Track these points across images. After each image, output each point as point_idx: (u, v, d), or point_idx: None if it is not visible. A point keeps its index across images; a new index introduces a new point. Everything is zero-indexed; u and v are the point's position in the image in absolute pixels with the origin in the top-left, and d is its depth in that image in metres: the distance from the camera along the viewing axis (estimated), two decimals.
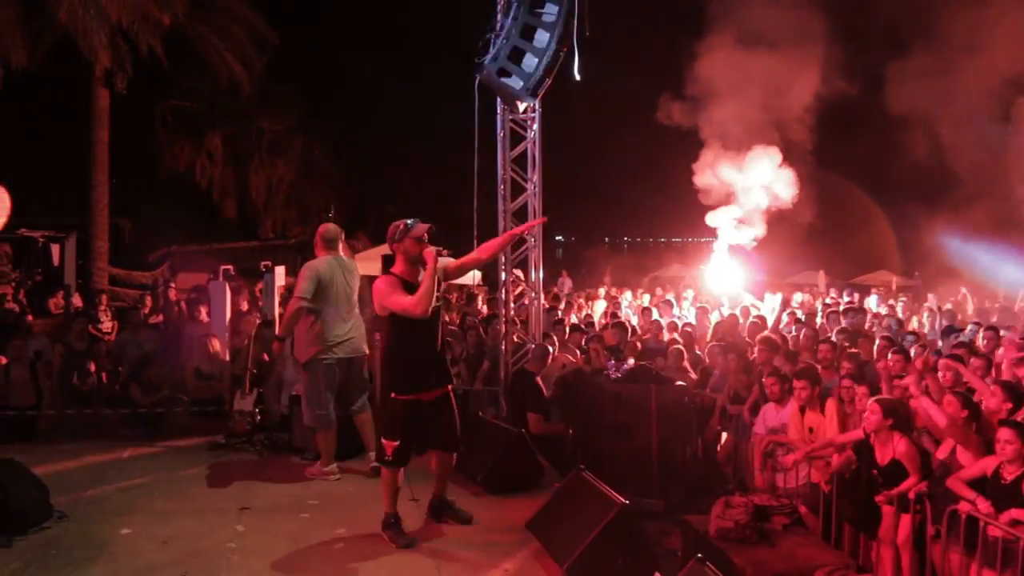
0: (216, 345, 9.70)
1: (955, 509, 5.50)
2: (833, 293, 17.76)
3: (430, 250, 5.46)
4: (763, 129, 15.83)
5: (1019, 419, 5.65)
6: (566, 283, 20.60)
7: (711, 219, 16.11)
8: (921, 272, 24.65)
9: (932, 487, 5.82)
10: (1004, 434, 5.25)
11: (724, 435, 8.75)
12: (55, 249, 22.10)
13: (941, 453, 5.98)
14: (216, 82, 24.31)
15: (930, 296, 15.35)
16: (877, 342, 9.27)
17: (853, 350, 8.65)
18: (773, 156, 15.56)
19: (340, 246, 7.36)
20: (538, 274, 9.15)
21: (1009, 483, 5.22)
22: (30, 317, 11.10)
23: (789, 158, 15.84)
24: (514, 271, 9.55)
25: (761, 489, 7.23)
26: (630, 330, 10.93)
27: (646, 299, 15.94)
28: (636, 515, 5.50)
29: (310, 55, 30.58)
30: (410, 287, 5.48)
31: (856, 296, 16.35)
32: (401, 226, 5.53)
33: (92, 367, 9.31)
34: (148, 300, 14.18)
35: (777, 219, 16.48)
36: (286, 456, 7.93)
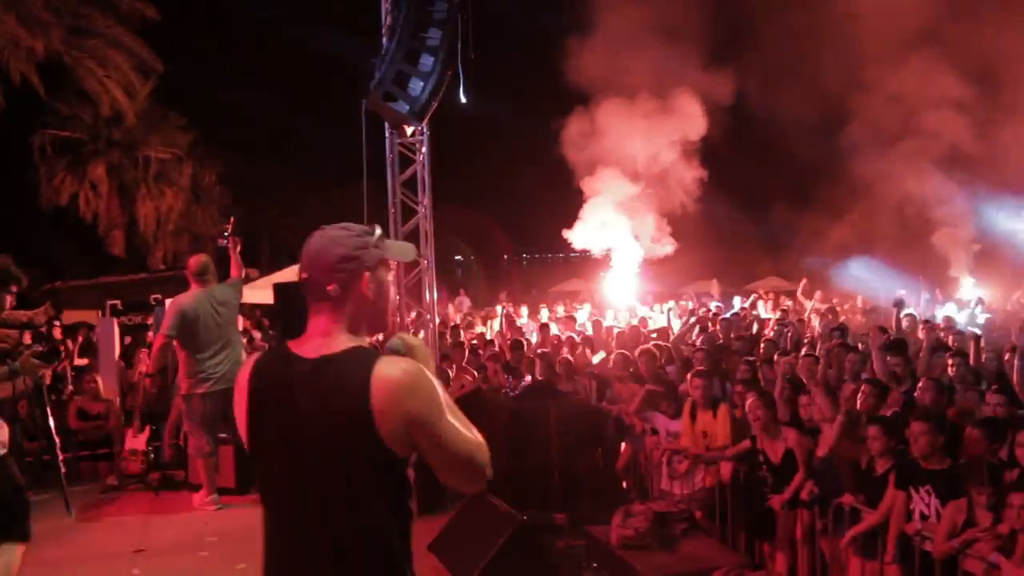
0: (101, 384, 9.38)
1: (840, 503, 5.78)
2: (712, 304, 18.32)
3: None
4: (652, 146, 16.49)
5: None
6: (464, 302, 20.64)
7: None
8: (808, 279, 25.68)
9: (817, 483, 6.09)
10: (872, 431, 5.54)
11: (623, 445, 8.91)
12: None
13: (821, 450, 6.26)
14: (97, 110, 23.61)
15: (816, 296, 15.99)
16: (762, 346, 9.61)
17: (749, 357, 8.92)
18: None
19: (211, 278, 7.43)
20: (432, 295, 9.19)
21: (879, 476, 5.51)
22: None
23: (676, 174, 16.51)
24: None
25: (660, 496, 7.42)
26: (526, 347, 11.02)
27: (544, 315, 16.13)
28: (535, 530, 5.58)
29: (197, 81, 29.99)
30: None
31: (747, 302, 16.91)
32: (369, 233, 2.51)
33: None
34: (29, 339, 13.60)
35: (672, 232, 17.09)
36: (183, 493, 7.75)
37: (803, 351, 8.84)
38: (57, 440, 7.29)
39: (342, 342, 2.29)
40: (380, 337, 2.96)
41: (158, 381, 7.98)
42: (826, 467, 6.06)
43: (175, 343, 7.18)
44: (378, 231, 2.42)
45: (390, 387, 2.19)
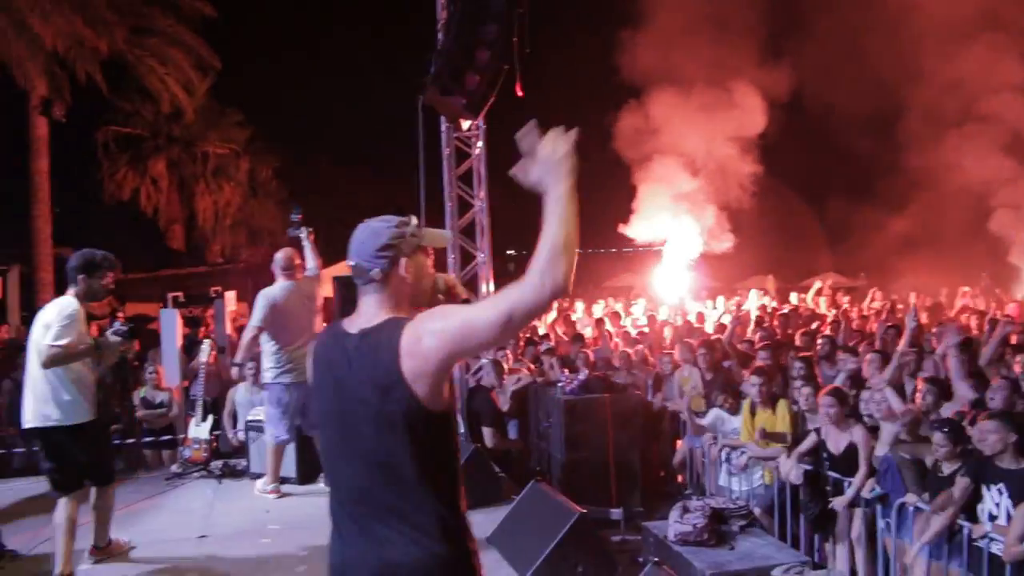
0: (163, 374, 9.58)
1: (903, 502, 5.68)
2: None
3: None
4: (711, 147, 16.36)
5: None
6: None
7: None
8: (867, 273, 25.24)
9: (879, 481, 6.01)
10: (937, 438, 5.46)
11: (679, 441, 8.87)
12: None
13: (880, 449, 6.16)
14: (158, 107, 24.07)
15: (873, 293, 15.70)
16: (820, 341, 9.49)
17: (805, 353, 8.81)
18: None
19: (297, 271, 7.48)
20: (488, 288, 9.22)
21: (946, 477, 5.42)
22: None
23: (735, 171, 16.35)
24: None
25: (717, 493, 7.37)
26: (584, 341, 11.02)
27: (599, 309, 16.09)
28: (594, 523, 5.57)
29: (254, 78, 30.43)
30: None
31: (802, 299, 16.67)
32: (406, 223, 2.83)
33: None
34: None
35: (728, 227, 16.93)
36: (244, 482, 7.88)
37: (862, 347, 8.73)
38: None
39: (382, 316, 2.55)
40: None
41: (242, 372, 8.00)
42: (887, 465, 5.97)
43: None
44: (414, 221, 2.68)
45: (409, 335, 2.40)
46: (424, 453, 2.45)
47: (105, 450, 5.85)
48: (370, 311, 2.60)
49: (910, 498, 5.64)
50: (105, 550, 5.86)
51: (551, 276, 2.23)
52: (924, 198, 19.45)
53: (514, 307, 2.27)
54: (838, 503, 6.26)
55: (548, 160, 2.37)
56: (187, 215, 29.79)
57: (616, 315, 14.34)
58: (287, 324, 7.23)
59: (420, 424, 2.42)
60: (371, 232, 2.63)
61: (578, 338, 10.55)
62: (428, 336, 2.37)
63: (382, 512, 2.48)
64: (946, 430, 5.44)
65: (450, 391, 2.50)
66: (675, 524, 5.75)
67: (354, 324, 2.60)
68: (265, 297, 7.28)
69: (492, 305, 2.33)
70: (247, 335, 7.30)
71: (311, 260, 7.78)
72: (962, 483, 5.15)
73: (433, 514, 2.46)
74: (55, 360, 5.17)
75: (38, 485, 7.78)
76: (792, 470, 6.56)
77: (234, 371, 7.88)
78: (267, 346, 7.30)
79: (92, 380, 5.48)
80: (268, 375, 7.33)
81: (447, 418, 2.50)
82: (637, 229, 16.84)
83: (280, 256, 7.51)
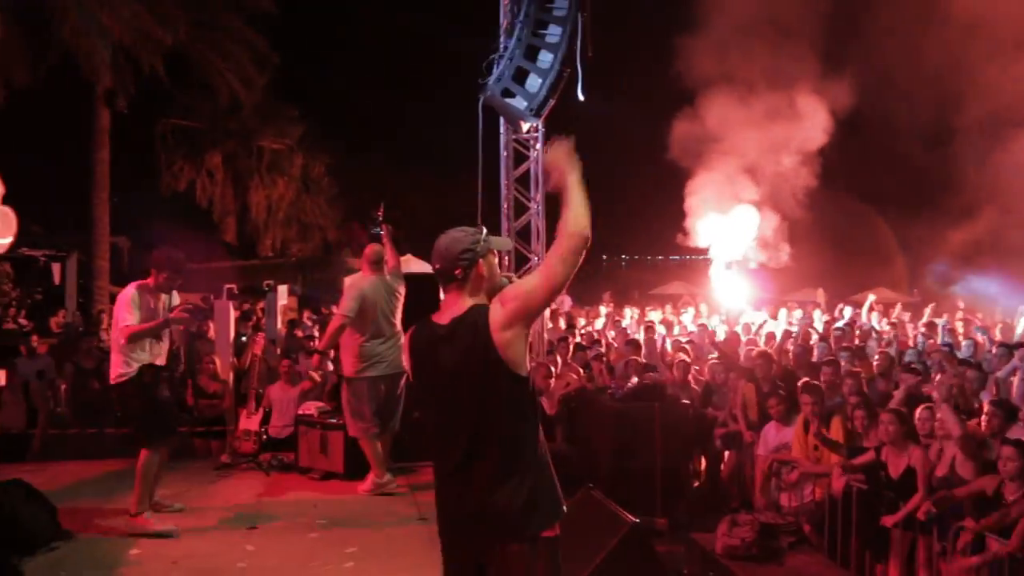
0: (217, 364, 9.71)
1: (961, 526, 5.55)
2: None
3: None
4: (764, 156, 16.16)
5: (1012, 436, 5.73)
6: (566, 300, 20.59)
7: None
8: (919, 289, 24.75)
9: (936, 503, 5.88)
10: (1006, 451, 5.30)
11: (727, 453, 8.78)
12: (56, 268, 22.14)
13: (941, 469, 6.04)
14: (216, 101, 24.42)
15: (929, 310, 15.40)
16: (876, 359, 9.34)
17: (855, 369, 8.69)
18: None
19: (383, 267, 7.52)
20: None
21: (1011, 501, 5.27)
22: (35, 338, 11.11)
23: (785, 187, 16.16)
24: None
25: (766, 507, 7.27)
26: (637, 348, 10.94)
27: (655, 316, 16.01)
28: (646, 534, 5.53)
29: (311, 74, 30.76)
30: None
31: (856, 313, 16.42)
32: (481, 235, 3.43)
33: (96, 385, 9.36)
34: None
35: (778, 238, 16.72)
36: (293, 475, 7.96)
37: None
38: None
39: (466, 306, 3.17)
40: None
41: (326, 362, 8.30)
42: (946, 488, 5.85)
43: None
44: (484, 230, 3.31)
45: (494, 314, 3.05)
46: (513, 408, 3.08)
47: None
48: (455, 304, 3.20)
49: (968, 522, 5.51)
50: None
51: (580, 228, 3.02)
52: (984, 212, 19.04)
53: (557, 260, 3.04)
54: (889, 520, 6.15)
55: (557, 160, 3.14)
56: (240, 208, 30.18)
57: (667, 323, 14.26)
58: (372, 318, 7.26)
59: (511, 384, 3.05)
60: (453, 240, 3.22)
61: (631, 343, 10.47)
62: (506, 307, 3.03)
63: (484, 464, 3.07)
64: (1018, 446, 5.29)
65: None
66: (723, 537, 5.68)
67: (443, 316, 3.21)
68: (356, 288, 7.32)
69: (539, 273, 3.14)
70: (334, 323, 7.38)
71: (392, 258, 7.80)
72: None
73: (524, 460, 3.10)
74: (133, 337, 6.08)
75: (94, 467, 7.98)
76: (842, 482, 6.47)
77: (316, 358, 8.16)
78: (348, 340, 7.32)
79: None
80: (350, 368, 7.34)
81: (528, 381, 3.12)
82: (696, 235, 16.65)
83: (370, 251, 7.55)
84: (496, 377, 3.04)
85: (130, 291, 6.24)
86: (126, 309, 6.13)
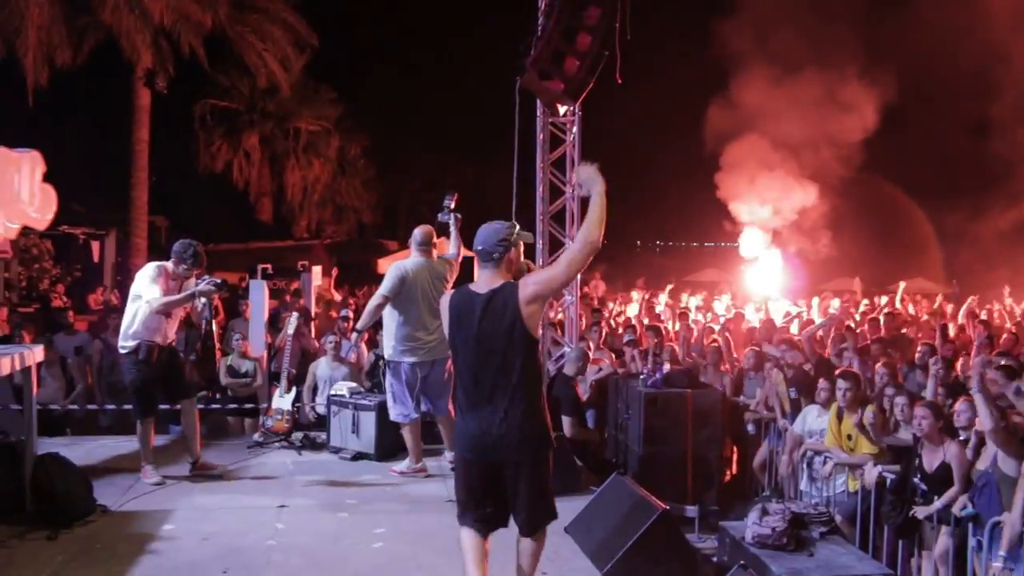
0: (249, 344, 9.77)
1: (998, 521, 5.46)
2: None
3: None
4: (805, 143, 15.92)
5: None
6: (599, 286, 20.54)
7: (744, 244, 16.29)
8: (959, 280, 24.36)
9: (973, 496, 5.78)
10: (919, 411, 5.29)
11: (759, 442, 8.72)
12: (95, 246, 22.45)
13: (982, 463, 5.93)
14: (255, 83, 24.57)
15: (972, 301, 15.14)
16: (919, 348, 9.21)
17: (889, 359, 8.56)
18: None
19: (432, 250, 7.33)
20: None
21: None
22: (71, 314, 11.24)
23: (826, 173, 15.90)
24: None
25: (798, 497, 7.21)
26: (665, 334, 10.88)
27: (692, 302, 15.89)
28: (676, 520, 5.49)
29: (348, 56, 30.85)
30: None
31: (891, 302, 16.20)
32: (515, 228, 4.39)
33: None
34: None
35: (814, 227, 16.50)
36: (324, 455, 8.00)
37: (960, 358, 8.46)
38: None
39: (500, 282, 4.20)
40: None
41: (364, 339, 8.59)
42: (985, 480, 5.75)
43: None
44: (516, 226, 4.35)
45: (522, 292, 4.09)
46: (529, 362, 4.16)
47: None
48: (491, 279, 4.22)
49: (1007, 517, 5.41)
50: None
51: (591, 239, 3.98)
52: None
53: (571, 259, 4.16)
54: (921, 512, 6.06)
55: (586, 178, 4.11)
56: (276, 189, 30.43)
57: (698, 309, 14.16)
58: (415, 299, 7.06)
59: (529, 344, 4.13)
60: (494, 230, 4.26)
61: (654, 329, 10.39)
62: (531, 288, 4.09)
63: (508, 398, 4.12)
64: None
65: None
66: (753, 526, 5.62)
67: (480, 287, 4.22)
68: (397, 268, 7.12)
69: (559, 263, 4.32)
70: (372, 302, 7.16)
71: (454, 246, 7.68)
72: None
73: (532, 397, 4.19)
74: (162, 308, 6.55)
75: (128, 443, 8.07)
76: (875, 473, 6.40)
77: (352, 337, 8.26)
78: (389, 322, 7.16)
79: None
80: (389, 351, 7.20)
81: (539, 343, 4.32)
82: (740, 216, 16.36)
83: (418, 232, 7.33)
84: (519, 337, 4.09)
85: (150, 268, 6.68)
86: (148, 283, 6.52)
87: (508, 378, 4.10)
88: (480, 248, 4.23)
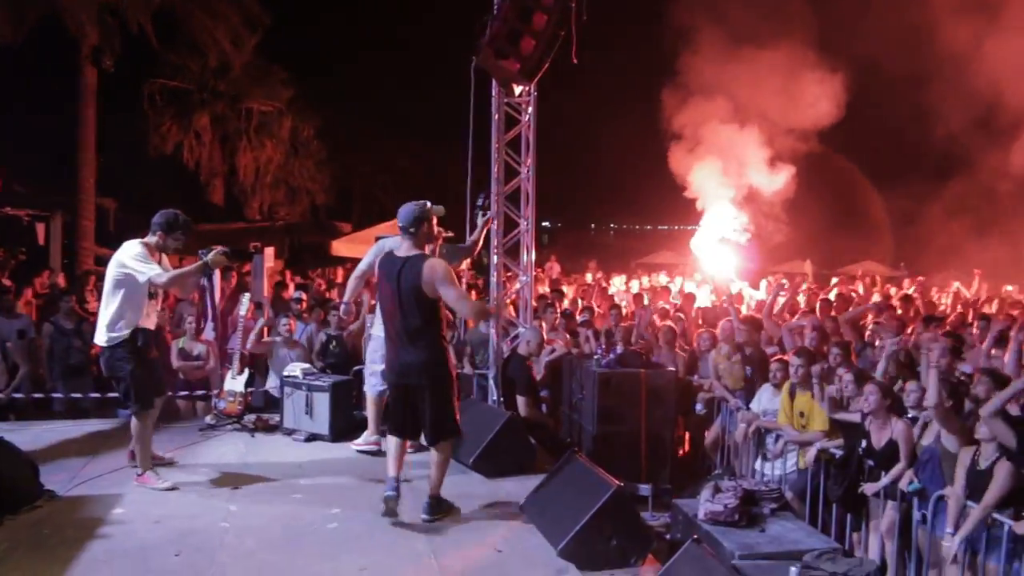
0: (201, 325, 9.63)
1: (942, 495, 5.60)
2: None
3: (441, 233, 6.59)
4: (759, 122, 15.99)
5: None
6: (554, 268, 20.60)
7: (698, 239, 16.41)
8: (907, 263, 24.83)
9: (917, 471, 5.93)
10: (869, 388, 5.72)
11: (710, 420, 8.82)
12: (40, 228, 21.93)
13: (926, 439, 6.07)
14: (205, 62, 24.12)
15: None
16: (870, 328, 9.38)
17: (844, 338, 8.70)
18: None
19: (420, 230, 7.27)
20: (530, 258, 9.16)
21: (984, 470, 5.33)
22: (11, 296, 10.92)
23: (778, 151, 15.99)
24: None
25: (749, 475, 7.33)
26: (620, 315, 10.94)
27: (635, 285, 15.99)
28: (630, 497, 5.54)
29: (300, 36, 30.38)
30: None
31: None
32: (426, 205, 5.68)
33: (78, 344, 9.32)
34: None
35: (766, 209, 16.64)
36: (277, 436, 7.94)
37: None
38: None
39: (415, 252, 5.55)
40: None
41: (352, 310, 8.62)
42: (929, 455, 5.89)
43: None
44: (429, 203, 5.68)
45: (429, 268, 5.43)
46: (430, 312, 5.51)
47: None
48: (409, 248, 5.58)
49: (949, 491, 5.56)
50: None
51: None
52: (975, 193, 19.02)
53: (458, 306, 5.82)
54: (869, 488, 6.21)
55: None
56: (228, 171, 29.94)
57: (667, 289, 14.29)
58: None
59: (429, 301, 5.47)
60: (409, 210, 5.60)
61: (615, 309, 10.44)
62: (433, 283, 5.41)
63: (414, 337, 5.53)
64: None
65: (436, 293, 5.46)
66: (706, 503, 5.70)
67: (401, 252, 5.59)
68: (378, 245, 7.20)
69: (457, 298, 5.62)
70: (352, 278, 7.48)
71: (472, 237, 8.05)
72: (1004, 468, 5.08)
73: (432, 338, 5.57)
74: (170, 283, 6.24)
75: (77, 427, 7.95)
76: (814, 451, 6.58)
77: (342, 309, 8.26)
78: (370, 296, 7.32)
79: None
80: (374, 329, 7.26)
81: (437, 302, 5.52)
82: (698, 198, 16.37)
83: (400, 212, 7.41)
84: (422, 296, 5.44)
85: (134, 246, 6.16)
86: (140, 261, 6.07)
87: (414, 321, 5.47)
88: (401, 224, 5.57)
